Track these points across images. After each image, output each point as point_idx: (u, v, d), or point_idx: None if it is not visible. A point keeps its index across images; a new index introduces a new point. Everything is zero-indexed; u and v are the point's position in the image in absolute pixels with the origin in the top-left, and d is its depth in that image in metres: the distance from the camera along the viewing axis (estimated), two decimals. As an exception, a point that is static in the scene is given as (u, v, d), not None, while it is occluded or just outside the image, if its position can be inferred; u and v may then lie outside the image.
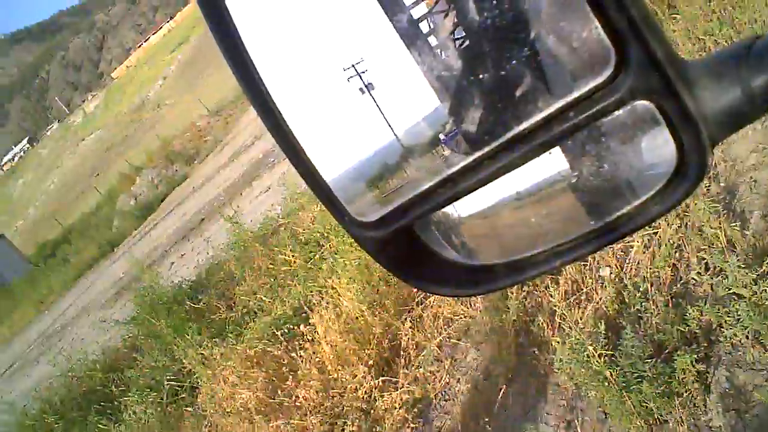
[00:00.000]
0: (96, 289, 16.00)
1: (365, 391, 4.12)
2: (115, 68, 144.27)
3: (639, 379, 2.85)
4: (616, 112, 0.56)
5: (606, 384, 2.89)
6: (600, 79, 0.53)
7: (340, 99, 0.68)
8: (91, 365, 7.43)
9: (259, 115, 0.69)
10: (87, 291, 17.15)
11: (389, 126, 0.67)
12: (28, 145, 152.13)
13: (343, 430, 3.95)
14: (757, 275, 2.89)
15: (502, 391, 3.61)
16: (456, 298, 3.75)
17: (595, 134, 0.63)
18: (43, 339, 14.97)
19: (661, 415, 2.83)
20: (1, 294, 27.94)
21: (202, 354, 5.38)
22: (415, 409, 3.91)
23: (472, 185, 0.63)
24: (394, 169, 0.68)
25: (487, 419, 3.51)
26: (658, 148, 0.59)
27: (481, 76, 0.62)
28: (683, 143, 0.55)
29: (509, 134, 0.59)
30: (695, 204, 3.34)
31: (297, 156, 0.68)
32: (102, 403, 6.41)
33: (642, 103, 0.53)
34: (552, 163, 0.66)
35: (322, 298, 5.02)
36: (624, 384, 2.85)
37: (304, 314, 5.11)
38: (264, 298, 6.38)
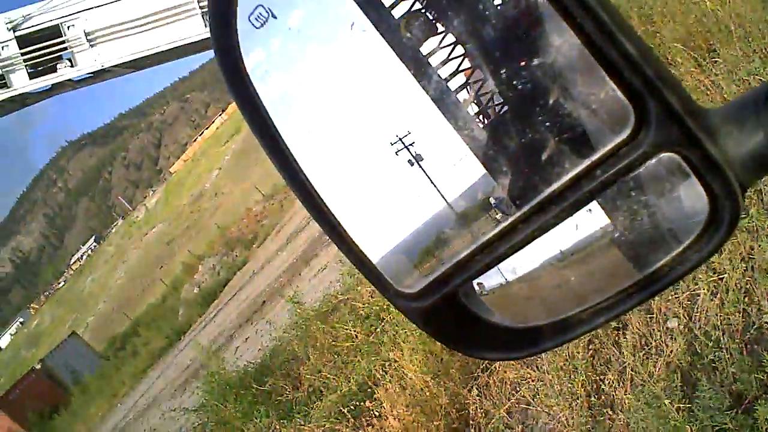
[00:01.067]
0: (165, 379, 16.18)
1: (436, 469, 4.03)
2: (173, 163, 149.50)
3: (720, 432, 2.72)
4: (643, 166, 0.57)
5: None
6: (623, 136, 0.54)
7: (386, 173, 0.70)
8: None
9: (298, 197, 0.71)
10: (157, 381, 17.36)
11: (441, 195, 0.68)
12: (95, 244, 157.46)
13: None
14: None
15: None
16: (510, 361, 3.67)
17: (625, 189, 0.63)
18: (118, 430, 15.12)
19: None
20: (77, 390, 28.44)
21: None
22: (490, 481, 3.80)
23: (509, 249, 0.64)
24: (443, 240, 0.69)
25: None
26: (691, 197, 0.60)
27: (507, 142, 0.64)
28: (713, 190, 0.55)
29: (540, 197, 0.60)
30: (759, 246, 3.24)
31: (339, 236, 0.70)
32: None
33: (668, 155, 0.54)
34: (589, 221, 0.67)
35: (386, 372, 4.99)
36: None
37: (369, 389, 5.07)
38: (329, 376, 6.37)
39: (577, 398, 3.66)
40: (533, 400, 3.96)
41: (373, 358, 5.76)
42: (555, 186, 0.58)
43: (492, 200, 0.69)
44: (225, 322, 16.00)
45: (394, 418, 4.38)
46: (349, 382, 5.71)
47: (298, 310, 7.88)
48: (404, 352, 4.95)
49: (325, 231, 0.71)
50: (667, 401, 2.88)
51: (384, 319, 6.06)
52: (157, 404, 13.43)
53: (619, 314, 0.69)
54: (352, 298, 7.43)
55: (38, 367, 31.80)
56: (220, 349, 11.27)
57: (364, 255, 0.71)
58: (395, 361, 4.97)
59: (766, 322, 3.14)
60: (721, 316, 3.31)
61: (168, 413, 9.14)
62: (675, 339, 3.44)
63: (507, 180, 0.65)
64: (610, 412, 3.53)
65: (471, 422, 4.26)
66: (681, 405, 2.90)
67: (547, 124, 0.60)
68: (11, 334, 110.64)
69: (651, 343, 3.50)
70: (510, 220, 0.62)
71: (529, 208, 0.61)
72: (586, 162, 0.57)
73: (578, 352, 3.79)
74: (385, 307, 6.12)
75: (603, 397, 3.64)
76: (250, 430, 5.94)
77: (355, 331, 6.61)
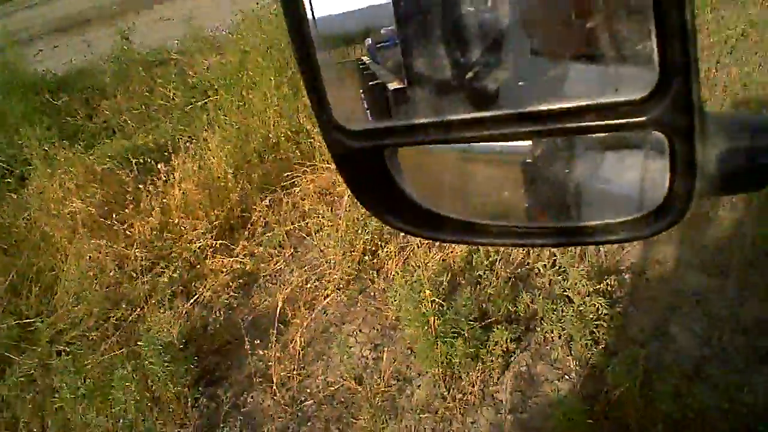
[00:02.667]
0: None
1: (199, 247, 4.08)
2: None
3: (455, 335, 3.02)
4: (630, 132, 0.57)
5: (425, 327, 3.04)
6: (632, 97, 0.51)
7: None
8: None
9: None
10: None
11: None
12: None
13: (163, 271, 3.90)
14: (594, 290, 3.14)
15: (328, 296, 3.70)
16: (398, 233, 3.75)
17: (596, 140, 0.64)
18: None
19: (459, 372, 3.03)
20: None
21: (45, 150, 5.08)
22: (240, 280, 3.93)
23: (464, 139, 0.62)
24: (406, 95, 0.65)
25: (306, 311, 3.59)
26: (648, 179, 0.61)
27: (529, 39, 0.60)
28: (674, 186, 0.55)
29: (523, 108, 0.57)
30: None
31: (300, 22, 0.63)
32: None
33: (659, 135, 0.52)
34: (535, 149, 0.67)
35: (189, 146, 4.88)
36: (441, 333, 3.01)
37: (166, 154, 4.93)
38: (128, 121, 6.12)
39: (353, 251, 3.85)
40: (315, 234, 4.11)
41: (180, 128, 5.60)
42: (545, 106, 0.55)
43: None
44: (36, 19, 14.50)
45: (180, 190, 4.33)
46: (148, 137, 5.53)
47: (124, 47, 7.38)
48: (216, 137, 4.86)
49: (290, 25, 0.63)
50: (428, 291, 3.13)
51: (210, 98, 5.87)
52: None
53: (525, 245, 0.72)
54: (185, 62, 7.09)
55: None
56: (19, 42, 10.24)
57: (317, 62, 0.65)
58: (205, 141, 4.87)
59: (538, 268, 3.48)
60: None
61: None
62: (458, 247, 3.70)
63: (496, 71, 0.62)
64: (375, 276, 3.77)
65: (249, 226, 4.34)
66: (437, 299, 3.17)
67: (569, 40, 0.57)
68: None
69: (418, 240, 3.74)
70: (483, 114, 0.59)
71: (507, 113, 0.58)
72: (586, 101, 0.54)
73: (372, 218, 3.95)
74: (215, 87, 5.92)
75: (375, 261, 3.86)
76: (25, 133, 5.55)
77: (174, 93, 6.35)
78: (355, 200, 0.74)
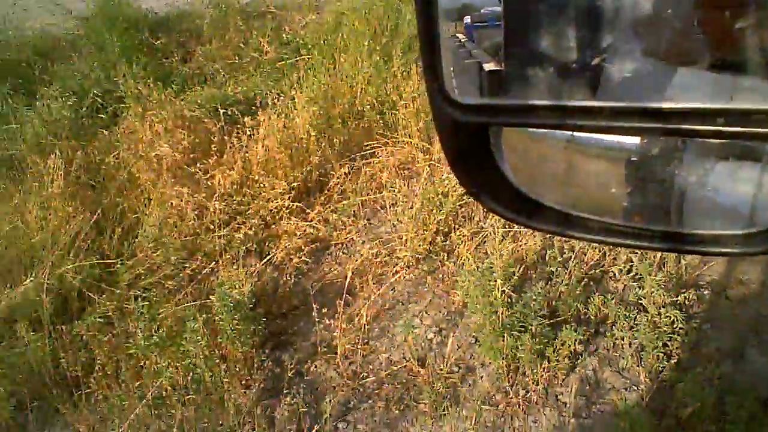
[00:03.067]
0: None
1: (276, 207, 4.15)
2: None
3: (522, 329, 3.00)
4: (753, 143, 0.54)
5: (493, 317, 3.03)
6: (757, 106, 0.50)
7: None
8: (23, 40, 7.06)
9: None
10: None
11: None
12: None
13: (239, 227, 3.99)
14: (670, 301, 3.06)
15: (397, 272, 3.73)
16: (475, 217, 3.74)
17: (713, 149, 0.61)
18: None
19: (523, 367, 3.02)
20: None
21: (138, 89, 5.22)
22: (313, 245, 3.99)
23: (579, 127, 0.61)
24: (526, 74, 0.64)
25: (374, 285, 3.63)
26: (765, 194, 0.58)
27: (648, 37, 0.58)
28: None
29: (647, 103, 0.55)
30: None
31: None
32: (20, 81, 6.15)
33: None
34: (645, 147, 0.64)
35: (275, 103, 4.92)
36: (508, 325, 3.00)
37: (252, 108, 5.01)
38: (221, 70, 6.21)
39: (426, 230, 3.86)
40: (390, 207, 4.12)
41: (270, 83, 5.65)
42: (674, 105, 0.53)
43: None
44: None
45: (262, 147, 4.40)
46: (237, 89, 5.61)
47: (225, -7, 7.45)
48: (303, 96, 4.90)
49: None
50: (499, 280, 3.11)
51: (302, 56, 5.90)
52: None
53: (623, 245, 0.70)
54: (283, 17, 7.12)
55: None
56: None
57: (437, 36, 0.64)
58: (292, 99, 4.92)
59: (613, 272, 3.42)
60: (582, 244, 3.55)
61: (49, 3, 8.56)
62: (535, 236, 3.66)
63: (626, 60, 0.59)
64: (446, 258, 3.77)
65: (326, 191, 4.39)
66: (507, 290, 3.15)
67: (688, 44, 0.54)
68: None
69: (516, 228, 3.71)
70: (606, 103, 0.58)
71: (635, 107, 0.56)
72: (725, 103, 0.52)
73: (451, 194, 3.94)
74: (309, 46, 5.94)
75: (447, 243, 3.86)
76: (122, 69, 5.71)
77: (267, 48, 6.40)
78: (452, 173, 0.74)
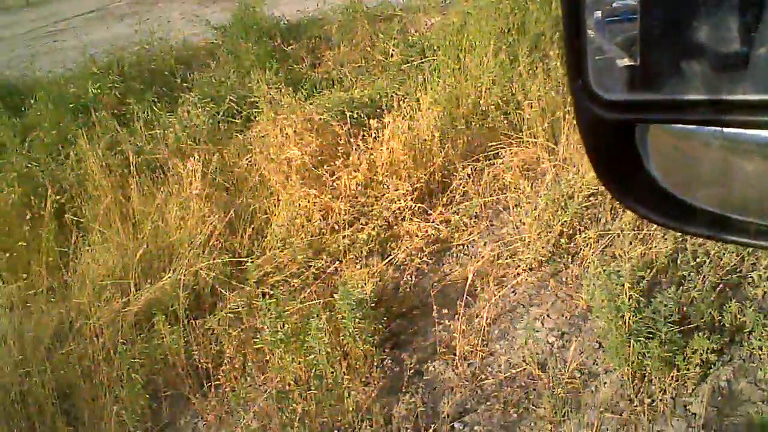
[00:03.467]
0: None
1: (399, 207, 4.20)
2: None
3: (650, 335, 2.88)
4: None
5: (619, 322, 2.93)
6: None
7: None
8: (167, 49, 7.53)
9: None
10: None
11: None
12: None
13: (363, 227, 4.07)
14: (820, 311, 2.85)
15: (519, 275, 3.68)
16: (632, 218, 3.67)
17: None
18: (132, 2, 15.09)
19: (650, 375, 2.90)
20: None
21: (270, 94, 5.43)
22: (434, 246, 4.01)
23: (739, 123, 0.57)
24: (678, 68, 0.60)
25: (495, 287, 3.60)
26: None
27: None
28: None
29: None
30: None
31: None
32: (163, 88, 6.57)
33: None
34: None
35: (401, 105, 4.98)
36: (635, 331, 2.89)
37: (378, 110, 5.09)
38: (348, 74, 6.36)
39: (550, 232, 3.78)
40: (513, 209, 4.08)
41: (395, 85, 5.72)
42: None
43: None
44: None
45: (388, 149, 4.47)
46: (363, 92, 5.72)
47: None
48: (427, 97, 4.92)
49: None
50: (627, 283, 3.00)
51: (427, 58, 5.93)
52: (178, 0, 13.31)
53: None
54: (409, 20, 7.19)
55: None
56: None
57: (583, 31, 0.63)
58: (417, 101, 4.95)
59: (752, 277, 3.21)
60: (718, 247, 3.36)
61: (189, 15, 9.08)
62: (666, 239, 3.50)
63: None
64: (570, 261, 3.68)
65: (448, 192, 4.40)
66: (635, 294, 3.03)
67: None
68: None
69: (645, 230, 3.56)
70: (764, 97, 0.54)
71: None
72: None
73: (576, 195, 3.84)
74: (434, 48, 5.96)
75: (572, 245, 3.76)
76: (256, 75, 5.98)
77: (393, 50, 6.48)
78: (596, 176, 0.72)
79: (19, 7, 16.63)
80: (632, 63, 0.61)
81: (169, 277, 3.72)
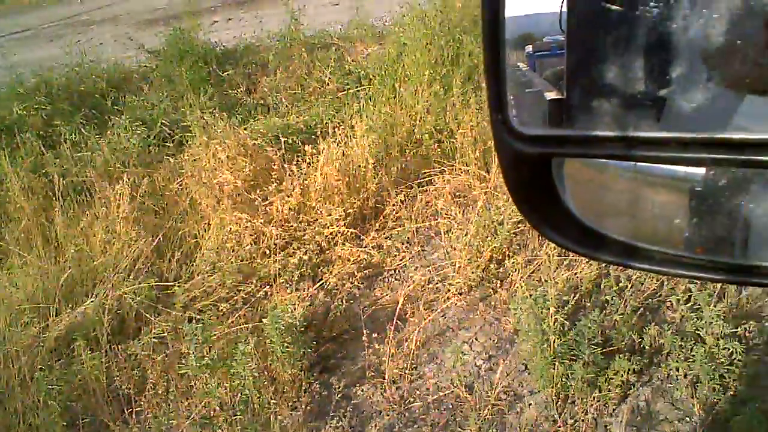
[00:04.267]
0: (134, 5, 15.72)
1: (331, 233, 4.19)
2: None
3: (574, 358, 2.93)
4: None
5: (544, 345, 2.97)
6: None
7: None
8: (98, 72, 7.39)
9: None
10: (126, 2, 16.84)
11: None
12: None
13: (295, 252, 4.04)
14: (729, 332, 2.94)
15: (448, 299, 3.70)
16: (554, 245, 3.72)
17: None
18: (65, 24, 14.80)
19: (573, 396, 2.94)
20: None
21: (204, 119, 5.38)
22: (366, 271, 4.01)
23: (646, 158, 0.59)
24: (588, 104, 0.63)
25: (425, 311, 3.61)
26: None
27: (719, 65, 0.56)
28: None
29: (723, 134, 0.54)
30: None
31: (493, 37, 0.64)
32: (93, 111, 6.43)
33: None
34: (710, 177, 0.62)
35: (335, 130, 4.99)
36: (560, 354, 2.93)
37: (313, 136, 5.09)
38: (284, 101, 6.36)
39: (480, 257, 3.82)
40: (444, 234, 4.11)
41: (331, 112, 5.75)
42: (749, 135, 0.52)
43: (529, 49, 0.65)
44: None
45: (321, 175, 4.46)
46: (299, 118, 5.72)
47: (292, 27, 7.64)
48: (362, 125, 4.95)
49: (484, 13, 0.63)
50: (552, 307, 3.05)
51: (363, 86, 5.99)
52: (115, 24, 13.14)
53: (691, 277, 0.69)
54: (345, 48, 7.26)
55: None
56: (198, 13, 10.87)
57: (504, 62, 0.65)
58: (352, 128, 4.98)
59: (671, 301, 3.31)
60: (638, 274, 3.45)
61: (123, 38, 8.96)
62: (591, 264, 3.58)
63: (697, 90, 0.57)
64: (498, 285, 3.73)
65: (381, 218, 4.41)
66: (559, 317, 3.08)
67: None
68: None
69: (571, 256, 3.64)
70: (675, 134, 0.57)
71: (704, 137, 0.55)
72: None
73: (506, 222, 3.90)
74: (370, 77, 6.03)
75: (501, 270, 3.81)
76: (189, 100, 5.93)
77: (329, 78, 6.52)
78: (514, 205, 0.74)
79: (-56, 26, 16.10)
80: (559, 96, 0.63)
81: (92, 301, 3.60)
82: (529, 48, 0.65)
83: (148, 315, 3.62)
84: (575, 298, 3.36)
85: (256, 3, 12.44)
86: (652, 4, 0.55)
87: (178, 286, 3.72)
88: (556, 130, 0.66)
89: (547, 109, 0.66)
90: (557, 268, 3.61)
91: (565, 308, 3.20)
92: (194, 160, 4.96)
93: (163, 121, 5.85)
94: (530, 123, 0.67)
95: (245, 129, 5.28)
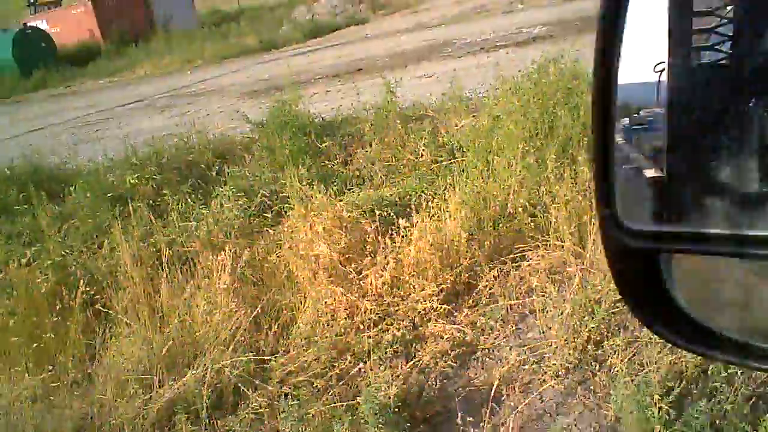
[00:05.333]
0: (239, 77, 16.54)
1: (424, 308, 4.20)
2: None
3: (683, 451, 2.79)
4: None
5: (649, 436, 2.85)
6: None
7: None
8: (205, 142, 7.77)
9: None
10: (231, 74, 17.76)
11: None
12: None
13: (388, 328, 4.06)
14: None
15: (545, 381, 3.61)
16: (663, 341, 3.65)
17: None
18: (175, 94, 15.71)
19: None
20: (161, 36, 28.73)
21: (302, 190, 5.54)
22: (459, 350, 3.97)
23: (760, 257, 0.58)
24: (700, 202, 0.63)
25: (521, 394, 3.53)
26: None
27: None
28: None
29: None
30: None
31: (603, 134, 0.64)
32: (199, 181, 6.76)
33: None
34: None
35: (430, 204, 5.04)
36: (667, 447, 2.80)
37: (407, 209, 5.16)
38: (379, 172, 6.48)
39: (577, 338, 3.73)
40: (539, 312, 4.04)
41: (424, 185, 5.81)
42: None
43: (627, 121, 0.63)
44: (315, 64, 16.01)
45: (415, 249, 4.50)
46: (393, 190, 5.81)
47: (388, 99, 7.82)
48: (455, 198, 4.97)
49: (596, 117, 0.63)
50: (656, 394, 2.93)
51: (456, 159, 6.04)
52: (221, 95, 13.83)
53: None
54: (439, 120, 7.36)
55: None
56: (300, 84, 11.33)
57: (611, 167, 0.65)
58: (445, 201, 5.01)
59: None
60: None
61: (228, 110, 9.42)
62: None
63: None
64: (597, 367, 3.61)
65: (473, 293, 4.39)
66: (664, 405, 2.96)
67: None
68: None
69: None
70: None
71: None
72: None
73: (604, 301, 3.80)
74: (464, 149, 6.07)
75: (600, 352, 3.70)
76: (289, 171, 6.13)
77: (423, 149, 6.61)
78: (622, 300, 0.73)
79: (64, 95, 17.39)
80: (659, 174, 0.63)
81: (193, 374, 3.72)
82: (626, 121, 0.65)
83: (246, 389, 3.70)
84: (680, 385, 3.21)
85: (353, 75, 12.86)
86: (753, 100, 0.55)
87: (275, 360, 3.79)
88: (665, 226, 0.65)
89: (651, 198, 0.66)
90: (660, 351, 3.47)
91: (670, 395, 3.07)
92: (292, 232, 5.10)
93: (264, 192, 6.06)
94: (638, 217, 0.67)
95: (341, 201, 5.41)
